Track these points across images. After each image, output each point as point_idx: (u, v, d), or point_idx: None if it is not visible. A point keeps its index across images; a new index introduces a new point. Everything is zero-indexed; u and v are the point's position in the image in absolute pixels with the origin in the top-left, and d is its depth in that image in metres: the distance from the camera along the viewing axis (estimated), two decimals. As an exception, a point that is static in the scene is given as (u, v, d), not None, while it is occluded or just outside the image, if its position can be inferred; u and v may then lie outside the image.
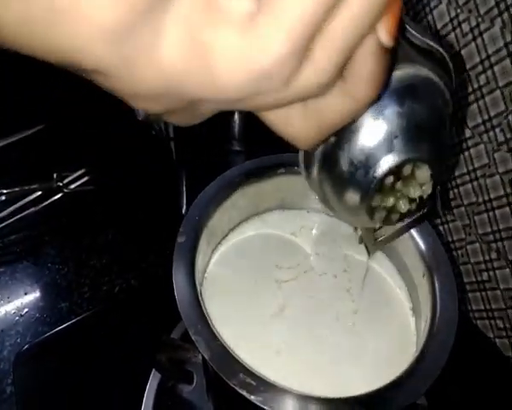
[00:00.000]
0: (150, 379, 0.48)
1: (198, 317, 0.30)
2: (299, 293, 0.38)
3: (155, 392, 0.47)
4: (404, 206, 0.27)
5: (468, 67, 0.46)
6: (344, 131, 0.24)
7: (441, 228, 0.55)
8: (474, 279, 0.53)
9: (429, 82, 0.25)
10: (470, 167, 0.49)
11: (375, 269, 0.40)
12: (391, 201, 0.27)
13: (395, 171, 0.25)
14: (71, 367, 0.52)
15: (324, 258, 0.41)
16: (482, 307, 0.53)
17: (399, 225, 0.31)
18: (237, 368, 0.28)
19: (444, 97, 0.26)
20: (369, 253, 0.36)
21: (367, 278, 0.39)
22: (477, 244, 0.51)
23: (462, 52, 0.46)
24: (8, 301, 0.60)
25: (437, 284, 0.32)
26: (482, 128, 0.47)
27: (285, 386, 0.28)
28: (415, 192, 0.27)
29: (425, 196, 0.27)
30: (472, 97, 0.47)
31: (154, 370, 0.49)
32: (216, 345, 0.29)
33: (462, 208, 0.51)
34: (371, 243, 0.34)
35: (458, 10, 0.46)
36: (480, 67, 0.45)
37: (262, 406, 0.27)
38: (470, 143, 0.48)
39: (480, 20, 0.44)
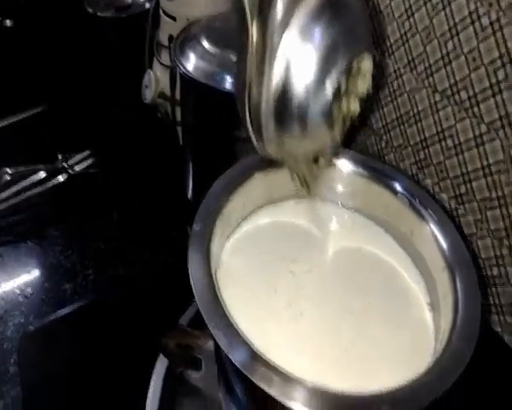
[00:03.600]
0: (157, 364, 0.48)
1: (217, 311, 0.30)
2: (312, 284, 0.38)
3: (163, 377, 0.47)
4: (354, 104, 0.31)
5: (486, 61, 0.46)
6: (288, 69, 0.27)
7: (452, 222, 0.55)
8: (484, 274, 0.53)
9: None
10: (484, 163, 0.49)
11: (390, 263, 0.40)
12: (345, 104, 0.30)
13: (346, 70, 0.28)
14: (76, 351, 0.52)
15: (339, 249, 0.41)
16: (491, 302, 0.53)
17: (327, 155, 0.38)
18: (258, 363, 0.28)
19: None
20: (309, 190, 0.39)
21: (382, 270, 0.39)
22: (488, 240, 0.51)
23: (481, 46, 0.46)
24: (13, 282, 0.60)
25: (458, 281, 0.32)
26: (498, 124, 0.46)
27: (306, 380, 0.28)
28: (363, 84, 0.31)
29: (368, 90, 0.31)
30: (489, 92, 0.46)
31: (160, 355, 0.49)
32: (237, 341, 0.29)
33: (475, 203, 0.51)
34: (312, 177, 0.38)
35: (478, 3, 0.45)
36: (498, 62, 0.45)
37: (285, 402, 0.26)
38: (486, 138, 0.48)
39: (500, 14, 0.43)
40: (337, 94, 0.28)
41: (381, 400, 0.26)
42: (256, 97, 0.27)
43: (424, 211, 0.37)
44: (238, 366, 0.27)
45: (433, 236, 0.36)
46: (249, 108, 0.28)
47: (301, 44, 0.26)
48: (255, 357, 0.28)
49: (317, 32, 0.26)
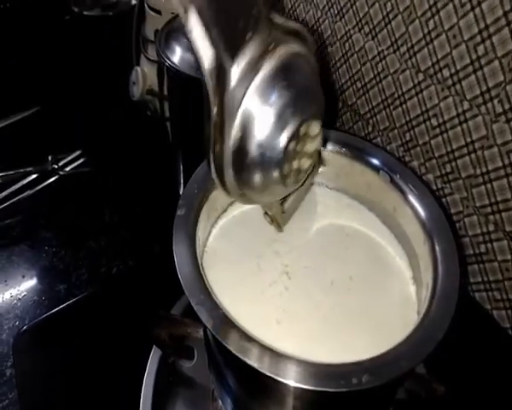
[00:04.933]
0: (151, 356, 0.48)
1: (200, 287, 0.30)
2: (296, 262, 0.38)
3: (156, 368, 0.47)
4: (305, 163, 0.34)
5: (466, 38, 0.46)
6: (244, 130, 0.29)
7: (439, 201, 0.55)
8: (471, 252, 0.53)
9: (297, 55, 0.30)
10: (468, 140, 0.49)
11: (374, 239, 0.40)
12: (295, 164, 0.32)
13: (295, 135, 0.30)
14: (71, 347, 0.52)
15: (322, 228, 0.41)
16: (480, 280, 0.53)
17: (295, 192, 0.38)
18: (239, 336, 0.28)
19: (310, 63, 0.32)
20: (280, 227, 0.40)
21: (365, 247, 0.39)
22: (475, 217, 0.51)
23: (461, 23, 0.46)
24: (6, 285, 0.60)
25: (438, 250, 0.32)
26: (480, 100, 0.46)
27: (287, 352, 0.28)
28: (312, 147, 0.33)
29: (319, 148, 0.34)
30: (470, 69, 0.46)
31: (154, 347, 0.49)
32: (218, 314, 0.29)
33: (460, 181, 0.51)
34: (281, 216, 0.39)
35: (456, -20, 0.45)
36: (478, 38, 0.45)
37: (265, 372, 0.27)
38: (468, 115, 0.48)
39: (478, -11, 0.43)
40: (288, 153, 0.30)
41: (361, 368, 0.26)
42: (219, 155, 0.30)
43: (404, 186, 0.37)
44: (219, 339, 0.27)
45: (412, 209, 0.36)
46: (214, 164, 0.30)
47: (257, 110, 0.29)
48: (237, 330, 0.28)
49: (272, 98, 0.29)
